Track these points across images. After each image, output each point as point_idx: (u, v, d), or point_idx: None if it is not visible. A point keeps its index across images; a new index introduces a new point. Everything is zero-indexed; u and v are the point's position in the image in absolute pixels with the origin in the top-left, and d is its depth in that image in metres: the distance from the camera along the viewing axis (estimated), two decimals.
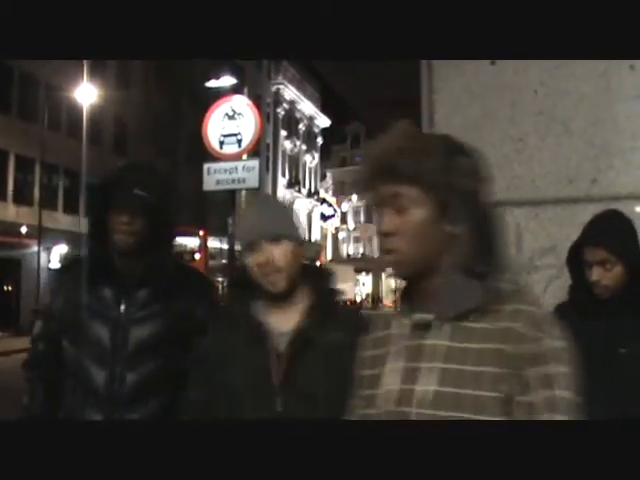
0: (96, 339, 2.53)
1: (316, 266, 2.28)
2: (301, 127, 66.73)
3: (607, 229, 2.56)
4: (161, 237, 2.59)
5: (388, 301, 72.13)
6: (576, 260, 2.60)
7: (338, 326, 2.04)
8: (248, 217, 2.16)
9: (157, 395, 2.52)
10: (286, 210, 2.23)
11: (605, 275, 2.52)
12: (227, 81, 24.99)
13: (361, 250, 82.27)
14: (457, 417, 1.43)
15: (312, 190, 69.15)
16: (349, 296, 51.42)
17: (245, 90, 44.96)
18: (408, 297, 1.65)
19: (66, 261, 3.15)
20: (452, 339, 1.51)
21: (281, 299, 2.08)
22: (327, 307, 2.11)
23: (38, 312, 2.87)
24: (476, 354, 1.47)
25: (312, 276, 2.16)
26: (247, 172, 9.70)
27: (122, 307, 2.55)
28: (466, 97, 3.14)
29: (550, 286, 2.90)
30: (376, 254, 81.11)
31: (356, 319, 2.10)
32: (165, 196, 2.62)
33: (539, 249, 2.95)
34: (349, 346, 1.83)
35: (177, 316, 2.56)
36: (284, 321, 2.06)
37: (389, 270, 1.58)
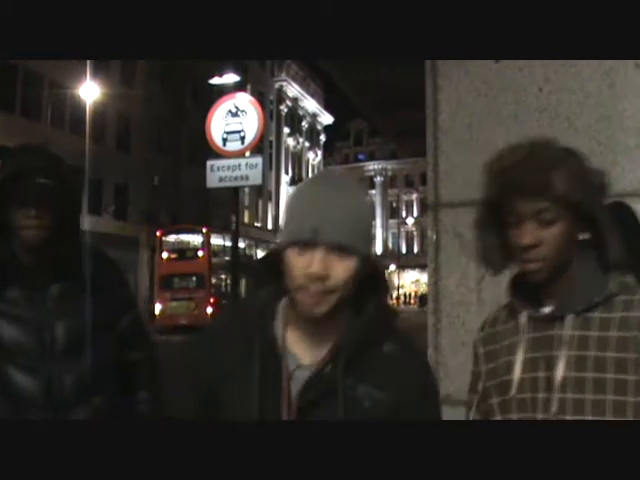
0: (19, 345, 2.29)
1: (372, 275, 1.57)
2: (304, 124, 66.76)
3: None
4: (70, 225, 2.36)
5: (392, 299, 72.15)
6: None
7: (378, 376, 1.52)
8: (312, 204, 1.49)
9: (98, 391, 2.34)
10: (367, 211, 1.56)
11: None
12: (230, 78, 24.99)
13: None
14: (600, 399, 1.58)
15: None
16: None
17: (248, 87, 44.99)
18: (522, 291, 1.75)
19: None
20: (585, 329, 1.63)
21: (315, 322, 1.52)
22: (369, 349, 1.53)
23: None
24: (614, 341, 1.60)
25: (362, 290, 1.56)
26: (250, 169, 9.72)
27: (38, 306, 2.31)
28: (470, 95, 3.14)
29: None
30: (379, 251, 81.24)
31: (406, 367, 1.57)
32: (69, 181, 2.35)
33: None
34: (388, 407, 1.50)
35: (97, 304, 2.36)
36: (309, 349, 1.55)
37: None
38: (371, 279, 1.55)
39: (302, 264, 1.45)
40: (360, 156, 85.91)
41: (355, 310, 1.55)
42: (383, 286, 1.62)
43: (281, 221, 1.54)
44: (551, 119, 3.00)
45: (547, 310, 1.69)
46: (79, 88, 30.36)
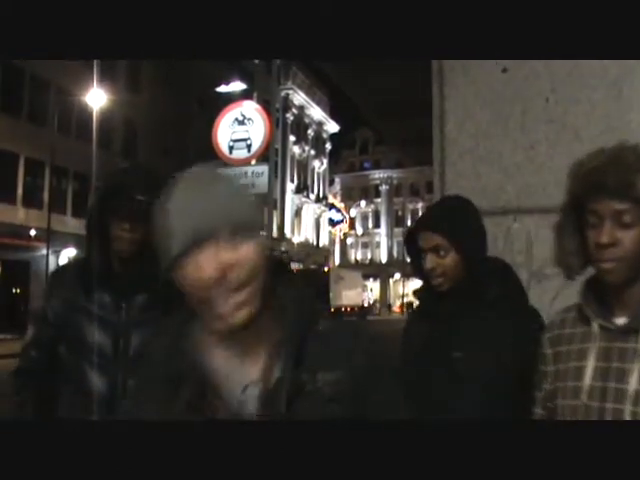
0: (96, 345, 2.47)
1: (283, 267, 1.44)
2: (310, 132, 66.80)
3: (439, 213, 2.42)
4: None
5: (397, 307, 72.07)
6: (414, 248, 2.42)
7: (327, 361, 1.35)
8: (184, 202, 1.35)
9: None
10: (241, 189, 1.43)
11: (439, 262, 2.31)
12: (237, 86, 25.08)
13: (369, 255, 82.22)
14: None
15: (320, 195, 69.21)
16: (357, 302, 51.31)
17: (255, 95, 45.08)
18: (593, 300, 1.80)
19: (61, 265, 2.98)
20: None
21: (243, 333, 1.31)
22: (306, 336, 1.36)
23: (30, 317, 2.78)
24: None
25: (282, 284, 1.40)
26: (256, 177, 9.73)
27: (122, 312, 2.50)
28: (477, 104, 3.14)
29: (560, 294, 2.89)
30: (384, 259, 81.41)
31: (344, 340, 1.42)
32: None
33: (549, 257, 2.93)
34: (345, 383, 1.35)
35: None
36: (245, 367, 1.35)
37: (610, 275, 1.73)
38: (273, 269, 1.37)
39: (195, 274, 1.26)
40: (366, 164, 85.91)
41: (275, 301, 1.37)
42: (284, 271, 1.44)
43: (160, 245, 1.37)
44: (557, 129, 3.00)
45: (621, 322, 1.74)
46: (85, 94, 30.44)
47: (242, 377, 1.32)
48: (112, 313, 2.49)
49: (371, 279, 74.36)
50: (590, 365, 1.76)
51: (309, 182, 65.90)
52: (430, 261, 2.31)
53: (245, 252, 1.27)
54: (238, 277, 1.25)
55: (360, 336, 1.45)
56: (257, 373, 1.33)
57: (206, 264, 1.24)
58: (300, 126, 63.65)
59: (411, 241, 2.43)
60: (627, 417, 1.66)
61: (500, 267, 2.45)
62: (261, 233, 1.33)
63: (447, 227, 2.32)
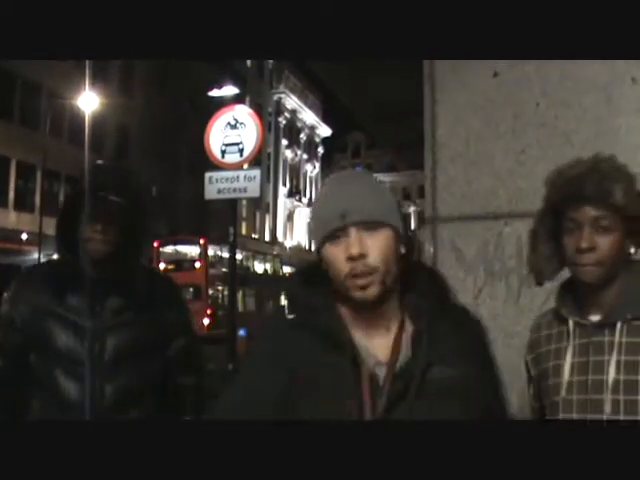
0: (70, 351, 2.39)
1: (420, 264, 1.69)
2: (302, 136, 66.85)
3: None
4: (134, 242, 2.48)
5: None
6: None
7: (453, 358, 1.55)
8: (333, 196, 1.57)
9: (137, 406, 2.41)
10: (386, 190, 1.66)
11: None
12: (229, 90, 25.08)
13: None
14: None
15: (313, 199, 69.17)
16: None
17: (247, 99, 45.06)
18: (568, 300, 1.93)
19: (26, 268, 2.85)
20: (635, 335, 1.79)
21: (371, 310, 1.56)
22: (438, 329, 1.56)
23: None
24: None
25: (416, 279, 1.63)
26: (248, 181, 9.73)
27: (96, 315, 2.42)
28: (468, 109, 3.15)
29: (550, 299, 2.89)
30: None
31: (467, 342, 1.62)
32: (140, 201, 2.50)
33: None
34: (470, 383, 1.55)
35: (152, 324, 2.46)
36: (375, 344, 1.56)
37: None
38: (413, 262, 1.65)
39: (340, 252, 1.51)
40: (358, 168, 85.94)
41: (412, 290, 1.61)
42: (437, 273, 1.69)
43: (310, 229, 1.62)
44: (548, 134, 3.01)
45: (595, 318, 1.86)
46: (78, 98, 30.38)
47: (374, 352, 1.54)
48: (86, 317, 2.41)
49: None
50: (568, 361, 1.87)
51: (301, 186, 65.94)
52: None
53: (382, 237, 1.52)
54: (375, 259, 1.50)
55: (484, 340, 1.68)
56: (385, 353, 1.54)
57: (352, 243, 1.50)
58: (292, 130, 63.68)
59: None
60: (608, 406, 1.76)
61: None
62: (393, 225, 1.55)
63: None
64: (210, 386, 2.70)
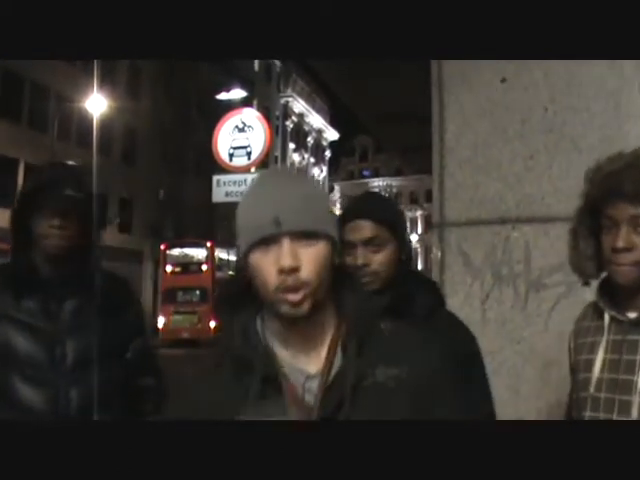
0: (29, 356, 2.28)
1: (342, 269, 1.51)
2: (309, 140, 66.88)
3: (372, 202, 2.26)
4: (91, 240, 2.40)
5: None
6: None
7: (392, 356, 1.45)
8: (266, 197, 1.41)
9: (103, 410, 2.30)
10: (323, 195, 1.54)
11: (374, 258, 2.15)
12: (237, 94, 25.14)
13: None
14: None
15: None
16: None
17: (254, 103, 45.14)
18: (608, 294, 1.85)
19: None
20: None
21: (303, 324, 1.41)
22: (373, 331, 1.46)
23: None
24: None
25: (340, 284, 1.48)
26: None
27: (55, 318, 2.32)
28: (476, 114, 3.15)
29: (558, 304, 2.90)
30: None
31: (413, 339, 1.53)
32: (94, 197, 2.42)
33: (548, 267, 2.95)
34: (412, 381, 1.42)
35: (110, 324, 2.37)
36: (308, 357, 1.43)
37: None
38: (342, 269, 1.49)
39: (270, 262, 1.35)
40: (365, 172, 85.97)
41: (340, 298, 1.47)
42: (344, 272, 1.52)
43: (237, 231, 1.45)
44: (556, 139, 3.01)
45: (632, 315, 1.78)
46: (85, 101, 30.47)
47: (305, 366, 1.41)
48: (44, 320, 2.31)
49: None
50: (599, 357, 1.81)
51: None
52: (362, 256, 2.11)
53: (318, 250, 1.37)
54: (309, 273, 1.35)
55: (424, 337, 1.55)
56: (318, 365, 1.41)
57: (285, 253, 1.34)
58: (300, 134, 63.73)
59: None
60: (636, 409, 1.70)
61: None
62: (331, 235, 1.42)
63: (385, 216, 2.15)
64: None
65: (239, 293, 1.48)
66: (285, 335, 1.44)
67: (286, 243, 1.35)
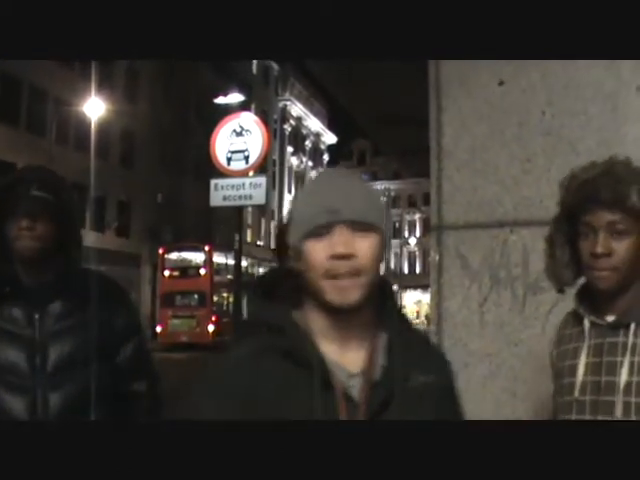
0: (9, 364, 2.25)
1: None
2: (307, 143, 66.91)
3: None
4: (67, 241, 2.36)
5: None
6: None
7: (426, 365, 1.51)
8: (321, 192, 1.45)
9: (85, 414, 2.28)
10: (378, 192, 1.48)
11: None
12: (235, 98, 25.14)
13: None
14: None
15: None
16: None
17: (252, 107, 45.13)
18: (587, 300, 1.89)
19: None
20: None
21: (346, 318, 1.44)
22: (409, 338, 1.52)
23: None
24: None
25: (379, 288, 1.51)
26: (254, 189, 9.73)
27: (35, 323, 2.28)
28: (474, 117, 3.15)
29: (556, 307, 2.90)
30: (381, 271, 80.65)
31: (437, 352, 1.68)
32: (66, 196, 2.39)
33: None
34: (440, 391, 1.52)
35: (97, 327, 2.33)
36: (349, 354, 1.46)
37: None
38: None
39: (323, 249, 1.39)
40: (363, 176, 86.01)
41: (380, 301, 1.51)
42: (387, 284, 1.58)
43: (289, 221, 1.50)
44: (554, 142, 3.01)
45: (611, 318, 1.83)
46: (83, 104, 30.48)
47: (347, 363, 1.44)
48: (24, 327, 2.28)
49: None
50: (582, 361, 1.85)
51: None
52: None
53: (371, 241, 1.41)
54: (362, 262, 1.39)
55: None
56: (359, 362, 1.44)
57: (341, 241, 1.38)
58: (298, 137, 63.75)
59: None
60: (619, 408, 1.74)
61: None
62: (383, 229, 1.46)
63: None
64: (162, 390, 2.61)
65: (280, 284, 1.52)
66: (328, 330, 1.45)
67: (342, 231, 1.39)
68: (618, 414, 1.74)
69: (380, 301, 1.51)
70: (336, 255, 1.37)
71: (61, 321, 2.30)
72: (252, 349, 1.45)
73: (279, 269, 1.51)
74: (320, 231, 1.40)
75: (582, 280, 1.92)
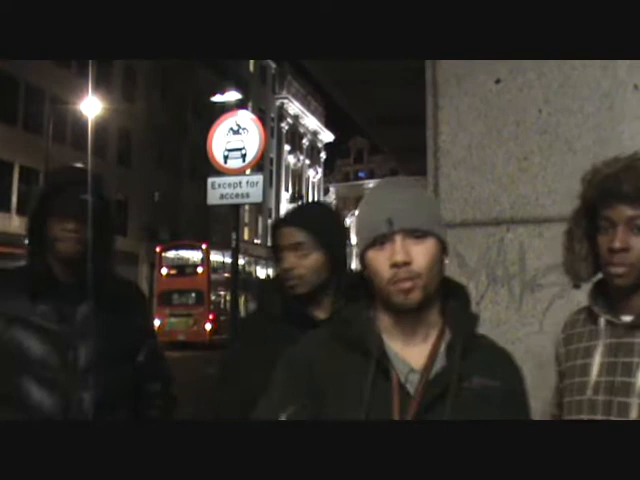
0: (42, 360, 2.29)
1: (448, 279, 1.64)
2: (305, 142, 66.85)
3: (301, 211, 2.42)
4: (104, 244, 2.42)
5: None
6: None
7: (489, 368, 1.57)
8: (381, 202, 1.56)
9: (114, 412, 2.34)
10: (434, 201, 1.71)
11: (300, 263, 2.26)
12: (232, 96, 25.11)
13: None
14: None
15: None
16: None
17: (249, 105, 45.09)
18: (601, 298, 1.88)
19: None
20: None
21: (410, 317, 1.55)
22: (473, 340, 1.58)
23: None
24: None
25: (449, 290, 1.63)
26: (251, 187, 9.71)
27: (68, 322, 2.33)
28: (471, 115, 3.16)
29: (553, 305, 2.91)
30: None
31: (505, 357, 1.66)
32: (109, 201, 2.49)
33: (543, 267, 2.95)
34: (505, 396, 1.55)
35: (122, 327, 2.42)
36: (412, 351, 1.55)
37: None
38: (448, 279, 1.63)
39: (384, 258, 1.50)
40: (360, 174, 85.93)
41: (447, 302, 1.61)
42: (461, 287, 1.67)
43: (356, 234, 1.59)
44: (550, 141, 3.02)
45: (627, 318, 1.82)
46: (80, 103, 30.42)
47: (409, 359, 1.53)
48: (57, 323, 2.33)
49: None
50: (596, 361, 1.83)
51: (304, 191, 65.89)
52: (288, 261, 2.26)
53: (427, 247, 1.52)
54: (420, 267, 1.50)
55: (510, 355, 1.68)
56: (421, 360, 1.53)
57: (398, 249, 1.49)
58: (295, 135, 63.70)
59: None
60: (634, 410, 1.72)
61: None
62: (439, 235, 1.56)
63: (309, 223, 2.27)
64: (178, 392, 2.68)
65: (358, 286, 1.62)
66: (394, 328, 1.57)
67: (398, 240, 1.50)
68: (633, 415, 1.72)
69: (447, 302, 1.61)
70: (394, 263, 1.49)
71: (90, 320, 2.36)
72: (323, 336, 1.62)
73: (354, 274, 1.60)
74: (380, 241, 1.52)
75: (597, 277, 1.91)
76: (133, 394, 2.47)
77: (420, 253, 1.50)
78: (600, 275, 1.90)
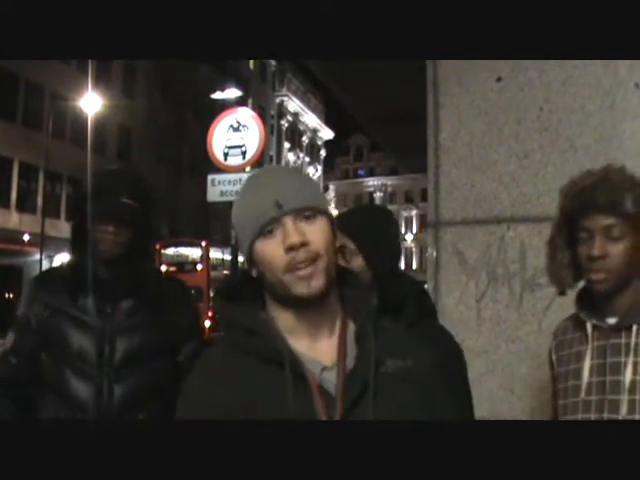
0: (80, 352, 2.42)
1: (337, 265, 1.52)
2: (304, 139, 66.88)
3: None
4: (145, 246, 2.54)
5: None
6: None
7: (404, 350, 1.50)
8: (264, 188, 1.45)
9: (146, 408, 2.43)
10: (315, 181, 1.58)
11: None
12: (232, 93, 25.10)
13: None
14: None
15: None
16: None
17: (249, 102, 45.09)
18: (587, 305, 1.98)
19: (43, 270, 2.93)
20: None
21: (314, 309, 1.43)
22: (382, 326, 1.49)
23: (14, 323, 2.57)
24: None
25: (344, 280, 1.52)
26: None
27: (107, 317, 2.45)
28: (472, 113, 3.15)
29: (553, 303, 2.90)
30: None
31: (425, 337, 1.63)
32: (151, 204, 2.54)
33: (543, 266, 2.94)
34: (430, 374, 1.50)
35: (163, 326, 2.50)
36: (320, 348, 1.45)
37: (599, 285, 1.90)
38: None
39: (276, 245, 1.39)
40: (360, 172, 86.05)
41: (345, 293, 1.51)
42: (353, 272, 1.61)
43: (236, 229, 1.51)
44: (552, 139, 3.02)
45: (612, 321, 1.92)
46: (80, 99, 30.41)
47: (319, 357, 1.43)
48: (97, 318, 2.44)
49: None
50: (587, 364, 1.93)
51: None
52: None
53: (320, 225, 1.42)
54: (317, 246, 1.39)
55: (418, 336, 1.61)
56: (331, 355, 1.43)
57: (291, 231, 1.38)
58: (295, 133, 63.72)
59: None
60: (625, 407, 1.82)
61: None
62: (328, 212, 1.47)
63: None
64: None
65: (241, 288, 1.51)
66: (296, 327, 1.45)
67: (289, 222, 1.39)
68: (623, 411, 1.82)
69: (344, 291, 1.51)
70: (290, 246, 1.37)
71: (131, 317, 2.46)
72: (223, 351, 1.47)
73: (236, 276, 1.50)
74: (268, 229, 1.40)
75: (581, 284, 2.01)
76: (170, 391, 2.48)
77: (314, 232, 1.39)
78: (582, 284, 2.01)
